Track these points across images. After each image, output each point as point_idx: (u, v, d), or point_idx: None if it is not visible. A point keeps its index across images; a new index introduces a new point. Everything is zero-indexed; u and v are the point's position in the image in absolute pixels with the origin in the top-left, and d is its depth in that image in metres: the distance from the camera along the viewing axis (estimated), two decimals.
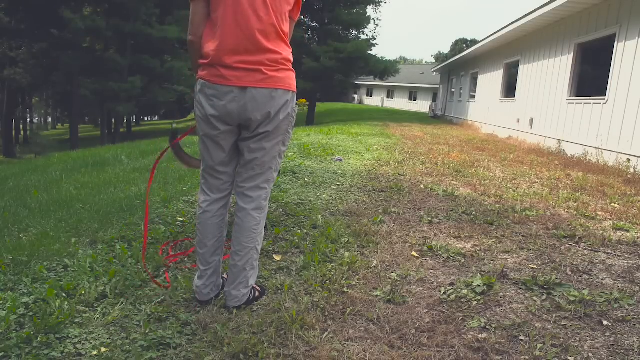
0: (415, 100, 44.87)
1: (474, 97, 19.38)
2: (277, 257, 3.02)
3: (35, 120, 59.69)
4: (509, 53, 14.77)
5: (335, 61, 24.20)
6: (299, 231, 3.53)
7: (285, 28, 2.20)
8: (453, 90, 24.88)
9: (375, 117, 24.21)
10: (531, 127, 12.12)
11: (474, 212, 4.23)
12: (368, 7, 27.57)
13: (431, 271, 2.85)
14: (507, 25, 12.99)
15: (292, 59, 2.22)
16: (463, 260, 3.02)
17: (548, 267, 2.98)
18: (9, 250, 3.11)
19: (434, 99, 34.86)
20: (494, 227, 3.83)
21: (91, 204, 4.39)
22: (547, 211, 4.44)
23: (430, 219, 3.99)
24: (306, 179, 5.61)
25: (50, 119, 67.61)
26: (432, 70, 33.75)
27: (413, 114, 31.24)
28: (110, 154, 8.46)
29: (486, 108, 16.96)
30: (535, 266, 2.98)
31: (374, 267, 2.87)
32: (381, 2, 27.72)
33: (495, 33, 14.35)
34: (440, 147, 10.11)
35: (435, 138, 12.38)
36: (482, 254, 3.17)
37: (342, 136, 11.80)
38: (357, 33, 28.41)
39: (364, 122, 20.11)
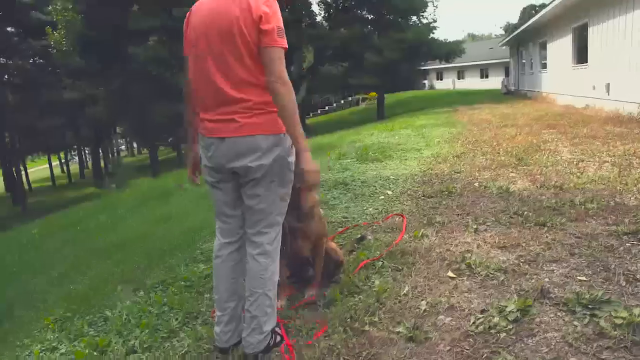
0: (487, 77, 42.86)
1: (545, 67, 18.20)
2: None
3: (122, 148, 63.83)
4: (577, 15, 13.67)
5: (398, 52, 23.66)
6: None
7: (256, 70, 2.07)
8: (524, 62, 23.53)
9: (445, 103, 23.36)
10: (608, 93, 11.14)
11: (526, 212, 3.91)
12: None
13: (465, 294, 2.65)
14: None
15: (270, 100, 2.07)
16: (502, 278, 2.78)
17: (599, 277, 2.65)
18: (59, 304, 3.32)
19: (507, 74, 33.11)
20: (546, 228, 3.50)
21: (146, 244, 4.60)
22: (611, 200, 4.01)
23: (476, 226, 3.73)
24: (356, 191, 5.51)
25: (135, 145, 71.83)
26: (500, 44, 32.11)
27: (485, 93, 29.82)
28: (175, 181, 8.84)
29: (559, 77, 15.86)
30: (584, 277, 2.67)
31: (404, 294, 2.72)
32: None
33: None
34: (507, 129, 9.58)
35: (503, 119, 11.75)
36: (526, 266, 2.91)
37: (405, 131, 11.52)
38: (416, 19, 27.63)
39: (433, 109, 19.53)
